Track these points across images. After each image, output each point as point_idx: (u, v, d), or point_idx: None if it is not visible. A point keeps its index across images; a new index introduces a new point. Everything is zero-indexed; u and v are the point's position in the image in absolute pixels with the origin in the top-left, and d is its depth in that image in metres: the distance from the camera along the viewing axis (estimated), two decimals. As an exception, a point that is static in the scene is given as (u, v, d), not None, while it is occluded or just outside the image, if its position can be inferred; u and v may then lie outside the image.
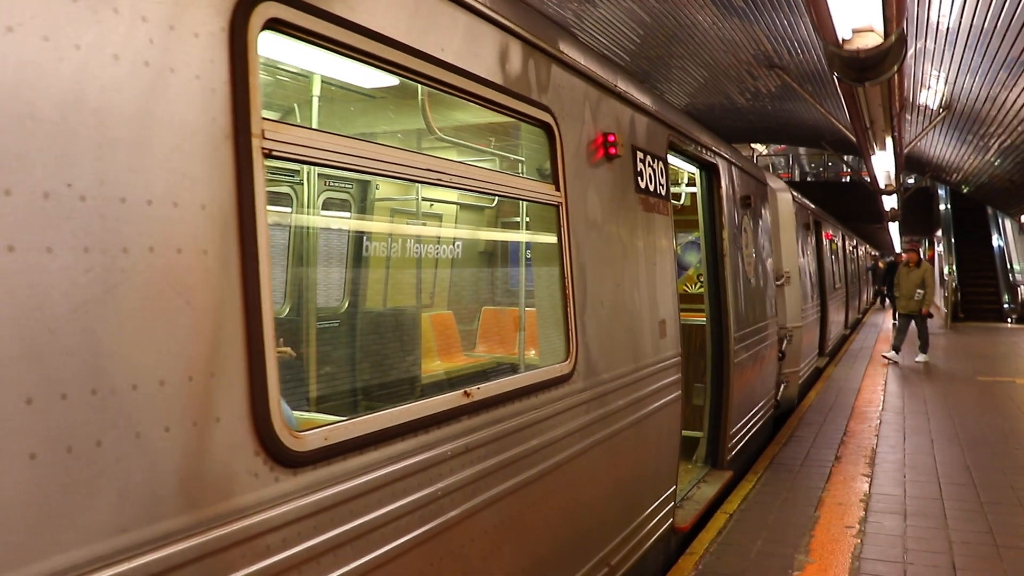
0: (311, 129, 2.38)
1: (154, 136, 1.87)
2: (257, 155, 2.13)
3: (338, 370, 7.08)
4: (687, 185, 8.87)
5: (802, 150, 42.27)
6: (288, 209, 7.65)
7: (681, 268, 9.99)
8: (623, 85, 4.85)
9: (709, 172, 7.15)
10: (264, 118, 2.18)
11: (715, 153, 7.08)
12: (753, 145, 35.82)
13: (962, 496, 6.72)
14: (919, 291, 15.93)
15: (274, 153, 2.20)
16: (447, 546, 2.89)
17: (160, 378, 1.84)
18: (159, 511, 1.82)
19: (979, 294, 27.74)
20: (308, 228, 7.57)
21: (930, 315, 16.37)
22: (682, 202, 9.28)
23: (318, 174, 6.94)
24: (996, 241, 29.34)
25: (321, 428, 2.30)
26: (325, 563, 2.29)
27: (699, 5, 11.83)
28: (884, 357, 15.95)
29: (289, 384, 6.23)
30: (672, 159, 6.49)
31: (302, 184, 7.27)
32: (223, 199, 2.03)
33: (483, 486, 3.08)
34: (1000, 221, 28.89)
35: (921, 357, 16.07)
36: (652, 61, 14.96)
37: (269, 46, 2.51)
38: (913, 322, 16.22)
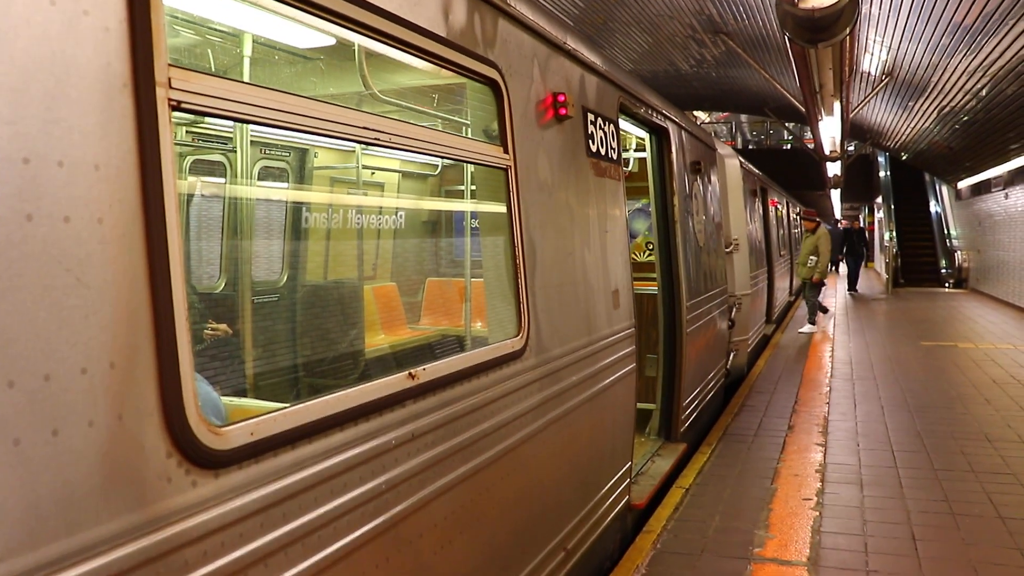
0: (230, 80, 2.07)
1: (30, 82, 1.55)
2: (163, 107, 1.82)
3: (273, 349, 6.74)
4: (636, 151, 8.66)
5: (744, 118, 42.49)
6: (221, 179, 7.27)
7: (630, 236, 9.80)
8: (573, 43, 4.58)
9: (660, 136, 6.93)
10: (173, 65, 1.87)
11: (666, 117, 6.86)
12: (696, 113, 35.88)
13: (916, 464, 6.67)
14: (812, 258, 15.77)
15: (184, 106, 1.89)
16: (395, 542, 2.63)
17: (44, 372, 1.53)
18: (49, 530, 1.53)
19: (918, 259, 28.21)
20: (241, 198, 7.19)
21: (823, 283, 16.06)
22: (630, 168, 9.07)
23: (251, 141, 6.54)
24: (934, 207, 29.83)
25: (246, 422, 2.02)
26: (255, 574, 2.01)
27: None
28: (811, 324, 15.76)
29: (224, 366, 5.91)
30: (623, 123, 6.26)
31: (235, 152, 6.88)
32: (122, 158, 1.72)
33: (432, 475, 2.82)
34: (937, 188, 29.36)
35: (806, 328, 15.67)
36: (596, 27, 14.71)
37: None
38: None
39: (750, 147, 43.85)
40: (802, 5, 5.82)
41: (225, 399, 3.13)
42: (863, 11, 11.56)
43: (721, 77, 19.60)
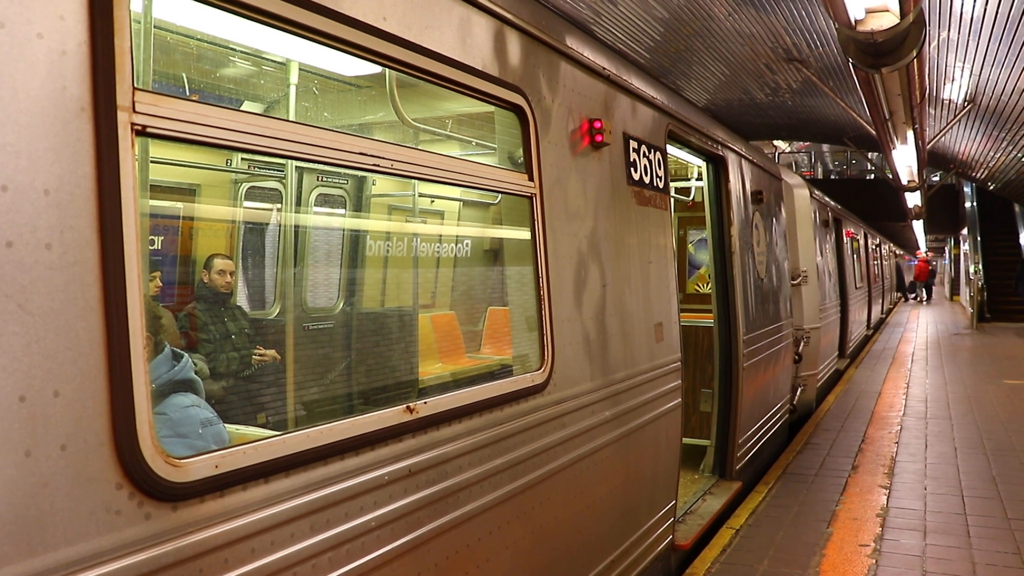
0: (204, 104, 2.03)
1: (-29, 105, 1.53)
2: (125, 132, 1.78)
3: (323, 375, 6.74)
4: (698, 180, 8.50)
5: (825, 147, 41.58)
6: (275, 205, 7.36)
7: (693, 267, 9.62)
8: (612, 67, 4.48)
9: (716, 165, 6.76)
10: (139, 88, 1.83)
11: (723, 145, 6.68)
12: (775, 143, 35.26)
13: (987, 511, 6.27)
14: None
15: (150, 130, 1.85)
16: (388, 582, 2.53)
17: (-26, 400, 1.50)
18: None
19: (1006, 294, 27.02)
20: (296, 225, 7.26)
21: None
22: (692, 197, 8.90)
23: (296, 167, 6.59)
24: (1024, 239, 28.60)
25: (210, 454, 1.96)
26: (219, 612, 1.94)
27: (713, -5, 11.43)
28: None
29: (272, 393, 5.93)
30: (675, 151, 6.12)
31: (291, 179, 6.95)
32: (76, 184, 1.69)
33: (431, 513, 2.72)
34: (1029, 219, 28.14)
35: None
36: (671, 57, 14.56)
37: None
38: None
39: (831, 177, 42.88)
40: (860, 28, 5.60)
41: (231, 428, 3.09)
42: (943, 36, 11.17)
43: (798, 106, 19.18)
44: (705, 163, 6.75)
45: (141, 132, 1.83)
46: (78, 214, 1.69)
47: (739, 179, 7.16)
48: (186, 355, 3.00)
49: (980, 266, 26.82)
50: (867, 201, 31.37)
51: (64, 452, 1.64)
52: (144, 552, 1.77)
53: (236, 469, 1.99)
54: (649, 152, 4.96)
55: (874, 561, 5.25)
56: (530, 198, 3.52)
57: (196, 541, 1.89)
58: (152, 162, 4.43)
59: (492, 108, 3.65)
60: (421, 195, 8.56)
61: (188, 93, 5.16)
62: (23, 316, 1.58)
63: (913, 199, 20.93)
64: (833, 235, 14.25)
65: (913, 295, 42.64)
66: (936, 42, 11.23)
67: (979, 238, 28.58)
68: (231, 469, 1.98)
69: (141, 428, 1.77)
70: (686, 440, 5.85)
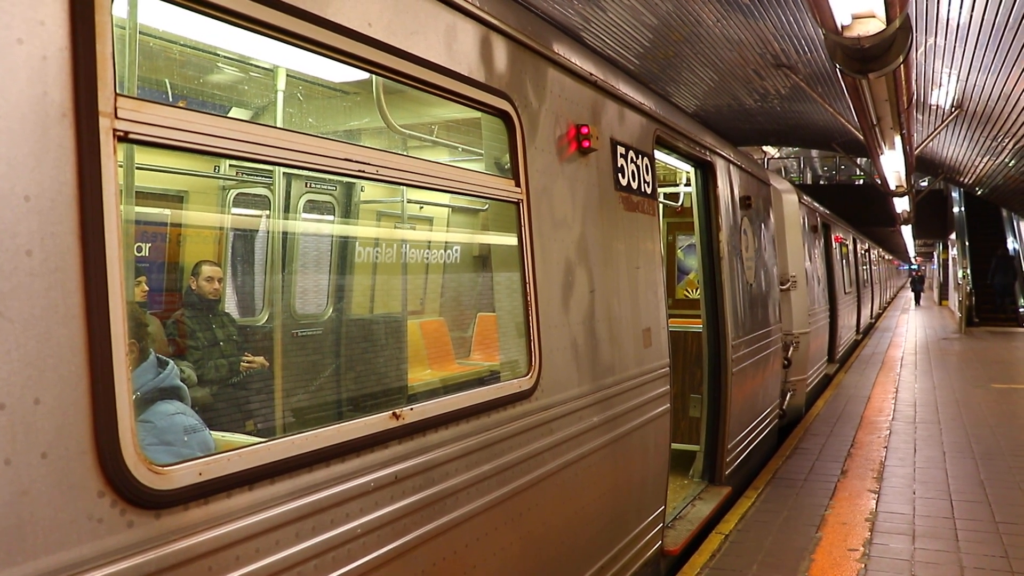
0: (187, 109, 2.02)
1: (-49, 111, 1.52)
2: (107, 138, 1.77)
3: (311, 382, 6.72)
4: (686, 185, 8.52)
5: (814, 153, 41.71)
6: (263, 212, 7.35)
7: (682, 272, 9.63)
8: (600, 73, 4.48)
9: (705, 170, 6.77)
10: (121, 94, 1.83)
11: (711, 150, 6.69)
12: (765, 148, 35.38)
13: (975, 515, 6.29)
14: None
15: (132, 136, 1.84)
16: (375, 589, 2.52)
17: (-47, 408, 1.49)
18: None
19: (994, 298, 27.16)
20: (283, 232, 7.25)
21: None
22: (680, 203, 8.92)
23: (284, 173, 6.58)
24: (1011, 244, 28.75)
25: (194, 461, 1.94)
26: (202, 622, 1.93)
27: (702, 1, 11.47)
28: None
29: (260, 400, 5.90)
30: (663, 156, 6.13)
31: (274, 186, 6.93)
32: (57, 190, 1.68)
33: (419, 519, 2.71)
34: (1016, 224, 28.29)
35: None
36: (660, 63, 14.59)
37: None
38: None
39: (820, 182, 43.01)
40: (847, 34, 5.62)
41: (217, 435, 3.08)
42: (930, 42, 11.23)
43: (786, 111, 19.25)
44: (693, 168, 6.76)
45: (123, 138, 1.82)
46: (59, 220, 1.68)
47: (727, 184, 7.18)
48: (171, 362, 2.98)
49: (968, 271, 26.95)
50: (856, 206, 31.50)
51: (45, 460, 1.62)
52: (127, 560, 1.76)
53: (220, 476, 1.98)
54: (637, 158, 4.97)
55: (863, 565, 5.26)
56: (517, 204, 3.52)
57: (180, 549, 1.87)
58: (138, 168, 4.41)
59: (479, 114, 3.65)
60: (410, 201, 8.56)
61: (174, 100, 5.15)
62: (3, 323, 1.57)
63: (901, 204, 21.02)
64: (822, 240, 14.30)
65: None
66: (923, 48, 11.29)
67: (967, 243, 28.75)
68: (215, 476, 1.97)
69: (124, 435, 1.76)
70: (675, 445, 5.85)
